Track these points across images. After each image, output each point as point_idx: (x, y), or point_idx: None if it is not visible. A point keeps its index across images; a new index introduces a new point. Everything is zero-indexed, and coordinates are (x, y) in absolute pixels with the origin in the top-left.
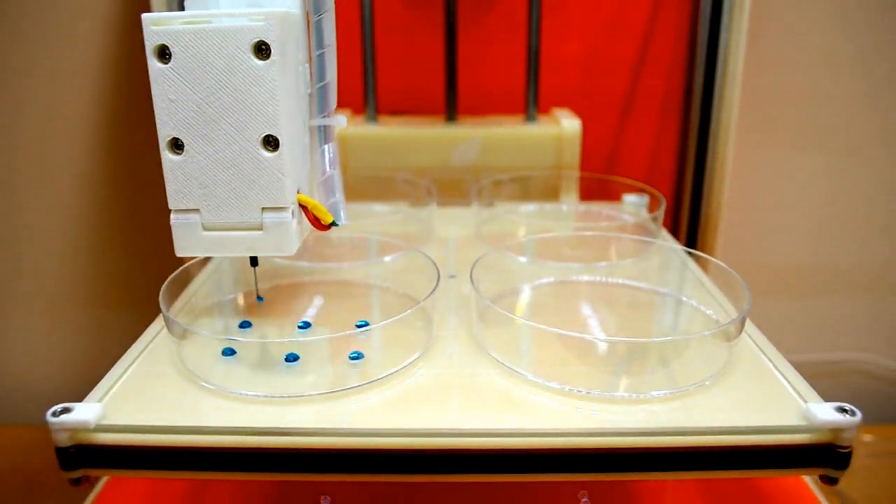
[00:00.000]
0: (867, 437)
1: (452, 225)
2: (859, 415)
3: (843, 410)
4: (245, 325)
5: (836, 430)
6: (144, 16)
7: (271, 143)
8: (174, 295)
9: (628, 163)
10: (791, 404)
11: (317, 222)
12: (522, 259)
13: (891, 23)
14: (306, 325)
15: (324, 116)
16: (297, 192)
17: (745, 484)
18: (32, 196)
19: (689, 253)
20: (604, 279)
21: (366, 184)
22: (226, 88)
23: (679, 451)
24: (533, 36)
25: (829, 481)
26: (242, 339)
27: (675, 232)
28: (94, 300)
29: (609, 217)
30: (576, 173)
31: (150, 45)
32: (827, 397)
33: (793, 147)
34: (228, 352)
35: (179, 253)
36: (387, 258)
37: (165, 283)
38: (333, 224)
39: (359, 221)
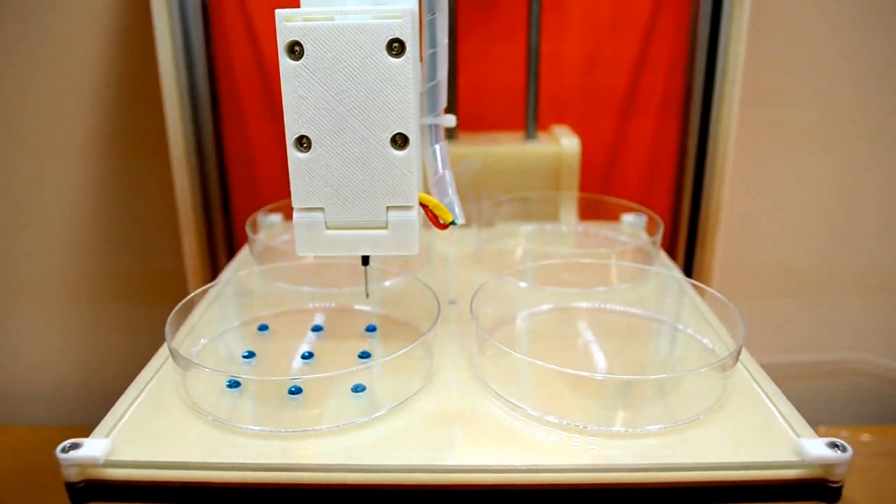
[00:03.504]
0: (867, 437)
1: (453, 246)
2: (850, 451)
3: (834, 446)
4: (249, 355)
5: (828, 465)
6: (278, 11)
7: (399, 141)
8: (178, 322)
9: (628, 163)
10: (784, 439)
11: (436, 221)
12: (522, 284)
13: (891, 22)
14: (309, 356)
15: (434, 116)
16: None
17: None
18: (33, 196)
19: (687, 279)
20: (602, 305)
21: None
22: (358, 86)
23: (674, 486)
24: (532, 58)
25: None
26: (246, 377)
27: (674, 232)
28: (95, 301)
29: (608, 238)
30: (575, 195)
31: (283, 41)
32: (827, 397)
33: (792, 148)
34: (233, 383)
35: (301, 252)
36: (386, 283)
37: (171, 314)
38: (452, 223)
39: None
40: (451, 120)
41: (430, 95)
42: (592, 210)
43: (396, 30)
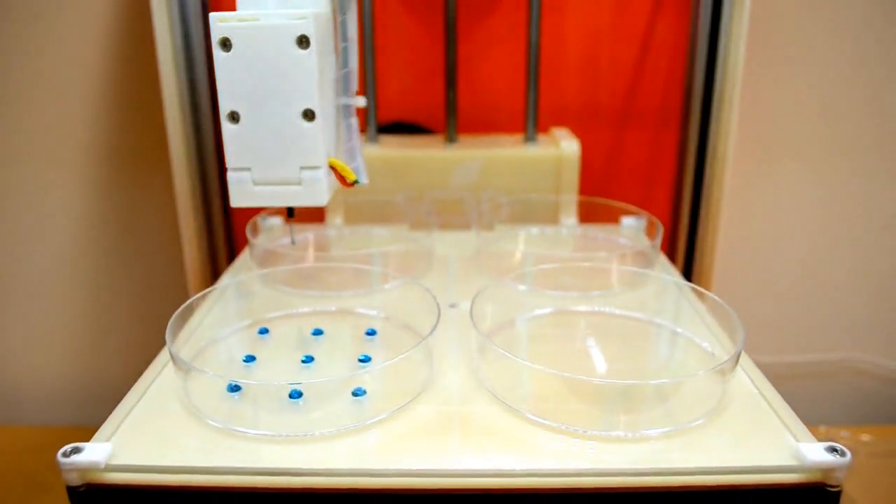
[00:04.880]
0: (866, 437)
1: (453, 249)
2: (849, 455)
3: (833, 450)
4: (249, 359)
5: (827, 470)
6: (212, 14)
7: (309, 115)
8: (179, 325)
9: (627, 164)
10: (783, 443)
11: (343, 180)
12: (522, 287)
13: (889, 35)
14: (309, 360)
15: (347, 97)
16: (328, 157)
17: None
18: (35, 197)
19: (687, 283)
20: (601, 309)
21: (366, 207)
22: (275, 72)
23: (673, 490)
24: (532, 56)
25: None
26: (246, 381)
27: (674, 234)
28: (94, 301)
29: (608, 241)
30: (574, 198)
31: (216, 37)
32: (826, 397)
33: (792, 149)
34: (233, 387)
35: (234, 203)
36: (387, 286)
37: (171, 318)
38: (356, 182)
39: (360, 245)
40: (361, 101)
41: (343, 80)
42: (592, 213)
43: (303, 28)
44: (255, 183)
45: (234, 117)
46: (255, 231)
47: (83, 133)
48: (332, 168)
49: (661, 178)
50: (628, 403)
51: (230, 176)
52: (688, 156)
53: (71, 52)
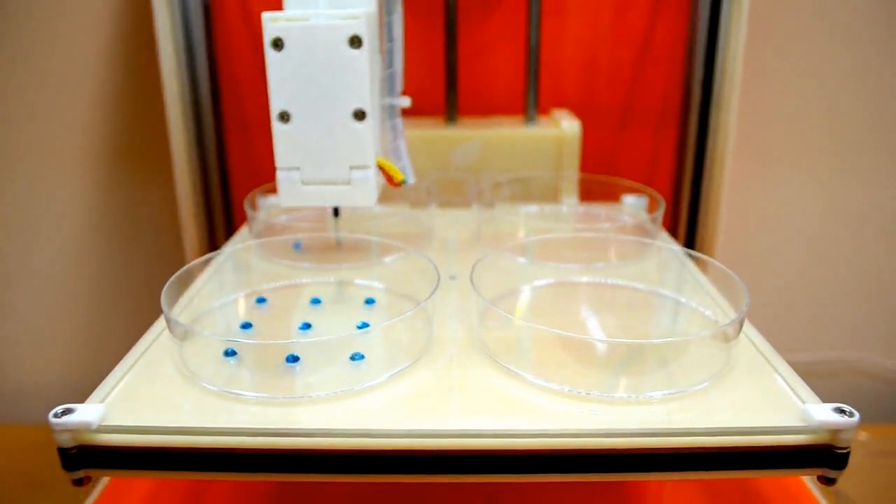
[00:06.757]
0: (865, 437)
1: (453, 226)
2: (857, 416)
3: (840, 411)
4: (246, 326)
5: (834, 430)
6: (264, 14)
7: (359, 115)
8: (175, 296)
9: (627, 167)
10: (789, 405)
11: (391, 179)
12: (522, 260)
13: (887, 37)
14: (307, 327)
15: (392, 97)
16: (377, 156)
17: (744, 482)
18: (36, 197)
19: (688, 254)
20: (603, 280)
21: None
22: (326, 72)
23: (677, 451)
24: (533, 37)
25: (827, 482)
26: (243, 340)
27: (674, 233)
28: (96, 300)
29: (609, 218)
30: (575, 174)
31: (268, 37)
32: (826, 397)
33: (792, 149)
34: (230, 352)
35: (284, 203)
36: (387, 259)
37: (167, 284)
38: (403, 182)
39: (359, 224)
40: (406, 101)
41: (388, 80)
42: (594, 192)
43: (355, 28)
44: (304, 182)
45: (284, 117)
46: (254, 207)
47: (85, 132)
48: (381, 168)
49: (661, 179)
50: (631, 367)
51: (279, 175)
52: (687, 157)
53: (73, 52)
